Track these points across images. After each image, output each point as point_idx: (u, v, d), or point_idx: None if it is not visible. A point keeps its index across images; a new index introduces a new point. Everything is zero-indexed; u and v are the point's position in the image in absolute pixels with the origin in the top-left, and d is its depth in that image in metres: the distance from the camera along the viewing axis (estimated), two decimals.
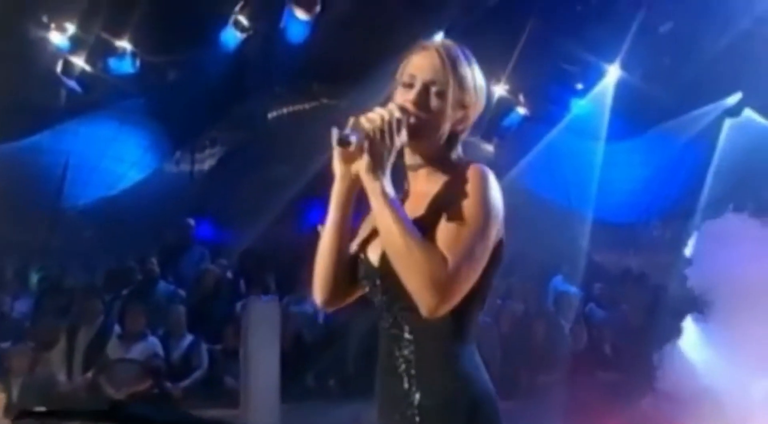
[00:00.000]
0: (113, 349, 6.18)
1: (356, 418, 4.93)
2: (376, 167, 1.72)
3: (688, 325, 5.04)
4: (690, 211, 5.76)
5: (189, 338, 6.33)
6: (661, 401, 4.65)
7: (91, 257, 7.78)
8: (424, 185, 1.87)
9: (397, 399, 1.79)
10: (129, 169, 8.56)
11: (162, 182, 8.63)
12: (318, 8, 7.60)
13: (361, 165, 1.74)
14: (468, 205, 1.74)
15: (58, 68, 7.52)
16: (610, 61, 7.60)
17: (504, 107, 7.88)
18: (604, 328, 6.72)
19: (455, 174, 1.83)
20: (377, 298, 1.85)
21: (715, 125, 7.64)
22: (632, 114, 7.77)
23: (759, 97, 7.17)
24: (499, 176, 1.80)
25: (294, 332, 6.35)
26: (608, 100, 7.58)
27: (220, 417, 5.46)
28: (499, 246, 1.79)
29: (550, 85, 8.20)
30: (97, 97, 7.91)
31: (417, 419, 1.75)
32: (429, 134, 1.82)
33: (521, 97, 7.98)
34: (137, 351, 6.14)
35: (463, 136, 1.90)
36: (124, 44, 7.60)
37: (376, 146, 1.73)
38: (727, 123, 7.55)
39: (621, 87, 7.57)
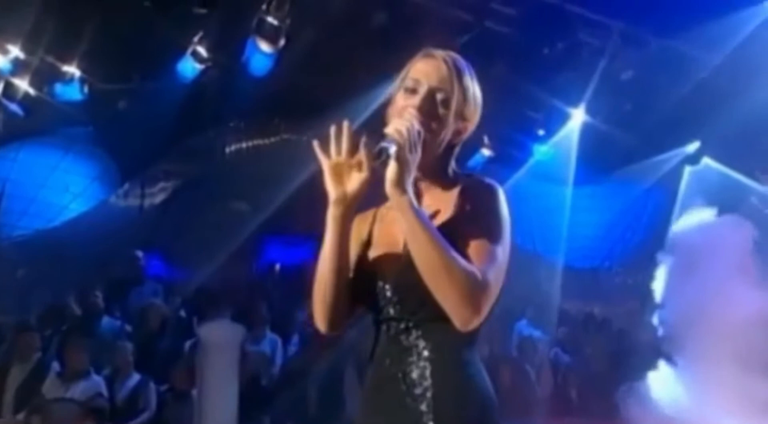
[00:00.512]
0: (51, 388, 5.89)
1: None
2: (404, 180, 1.74)
3: (654, 368, 5.20)
4: (652, 256, 5.98)
5: (136, 378, 6.11)
6: None
7: (27, 292, 7.49)
8: (427, 198, 1.91)
9: (403, 404, 1.81)
10: (72, 200, 8.34)
11: (108, 215, 8.43)
12: (282, 41, 7.73)
13: (388, 179, 1.75)
14: (489, 218, 1.83)
15: None
16: (574, 106, 7.95)
17: (468, 148, 8.09)
18: (570, 373, 6.83)
19: (463, 187, 1.90)
20: (385, 309, 1.86)
21: (676, 172, 8.03)
22: (595, 160, 8.10)
23: (716, 146, 7.59)
24: None
25: (251, 374, 6.23)
26: (573, 145, 7.90)
27: None
28: None
29: (513, 131, 8.49)
30: (40, 122, 7.77)
31: (431, 416, 1.78)
32: (429, 144, 1.85)
33: (486, 139, 8.22)
34: (78, 391, 5.86)
35: (458, 150, 1.95)
36: (72, 69, 7.53)
37: (404, 158, 1.75)
38: (687, 170, 7.96)
39: (584, 132, 7.91)
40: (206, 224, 8.05)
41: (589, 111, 7.92)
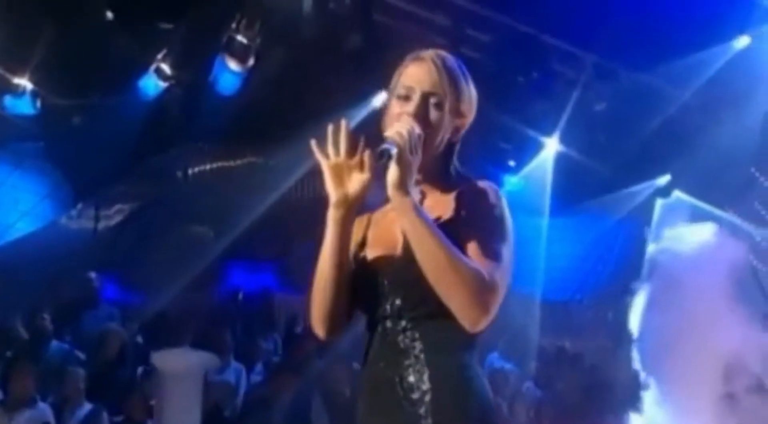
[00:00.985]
0: None
1: None
2: (406, 182, 1.79)
3: (632, 403, 5.24)
4: (624, 288, 6.09)
5: (87, 407, 5.89)
6: None
7: None
8: (429, 200, 1.94)
9: (401, 407, 1.81)
10: (19, 218, 8.07)
11: (59, 236, 8.16)
12: (252, 61, 7.72)
13: (390, 181, 1.79)
14: (492, 219, 1.86)
15: None
16: (547, 136, 8.13)
17: None
18: (542, 407, 6.85)
19: (464, 188, 1.93)
20: (383, 306, 1.87)
21: (648, 204, 8.25)
22: (566, 191, 8.27)
23: (687, 179, 7.85)
24: None
25: (213, 403, 6.07)
26: (548, 175, 8.05)
27: None
28: None
29: (483, 162, 8.61)
30: None
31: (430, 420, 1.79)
32: (427, 147, 1.89)
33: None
34: (23, 420, 5.62)
35: (457, 147, 2.00)
36: (23, 82, 7.38)
37: (405, 161, 1.79)
38: (659, 202, 8.18)
39: (557, 163, 8.07)
40: (166, 247, 7.86)
41: (563, 141, 8.11)
